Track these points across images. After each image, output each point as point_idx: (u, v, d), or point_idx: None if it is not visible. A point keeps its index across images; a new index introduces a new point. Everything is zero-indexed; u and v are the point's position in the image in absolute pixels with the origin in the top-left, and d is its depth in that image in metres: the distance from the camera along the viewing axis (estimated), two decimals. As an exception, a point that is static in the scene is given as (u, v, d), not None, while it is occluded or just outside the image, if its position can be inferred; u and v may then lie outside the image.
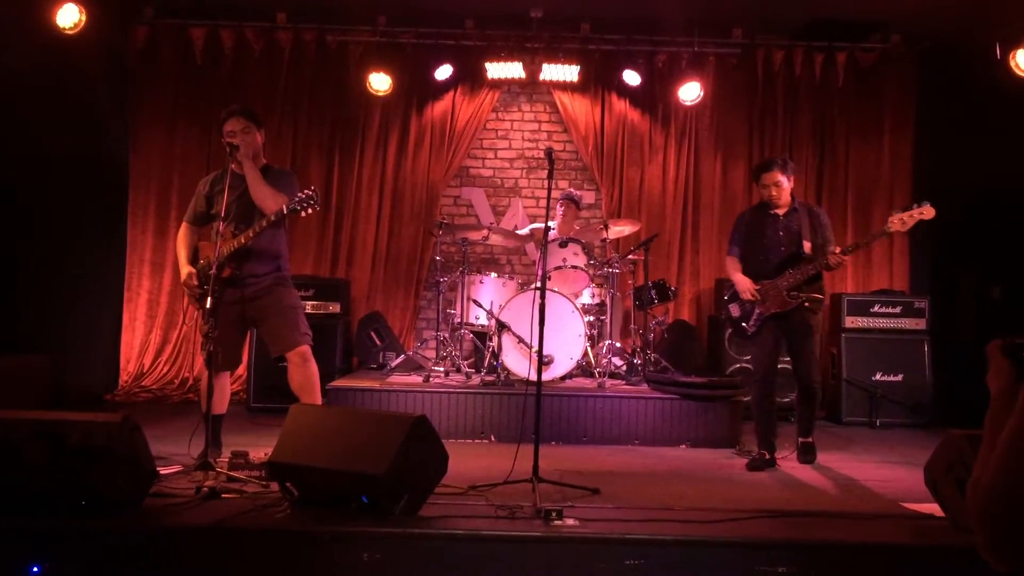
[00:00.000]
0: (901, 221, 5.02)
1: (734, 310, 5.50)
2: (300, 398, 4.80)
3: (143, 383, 7.97)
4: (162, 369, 8.08)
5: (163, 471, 4.23)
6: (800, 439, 5.43)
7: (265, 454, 4.26)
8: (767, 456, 5.26)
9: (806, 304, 5.19)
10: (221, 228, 4.74)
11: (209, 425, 4.50)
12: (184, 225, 5.10)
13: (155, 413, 6.75)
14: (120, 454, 3.54)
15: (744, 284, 5.37)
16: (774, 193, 5.34)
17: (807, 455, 5.38)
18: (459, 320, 7.00)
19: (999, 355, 1.85)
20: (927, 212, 5.02)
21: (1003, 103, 7.16)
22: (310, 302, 7.48)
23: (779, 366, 5.58)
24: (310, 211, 4.71)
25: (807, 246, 5.23)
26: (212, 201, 4.99)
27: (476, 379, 6.57)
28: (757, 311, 5.32)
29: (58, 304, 7.81)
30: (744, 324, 5.41)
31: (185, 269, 4.94)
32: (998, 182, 7.41)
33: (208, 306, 4.41)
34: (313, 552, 3.42)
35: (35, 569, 3.27)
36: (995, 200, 7.51)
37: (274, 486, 3.95)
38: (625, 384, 6.67)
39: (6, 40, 7.06)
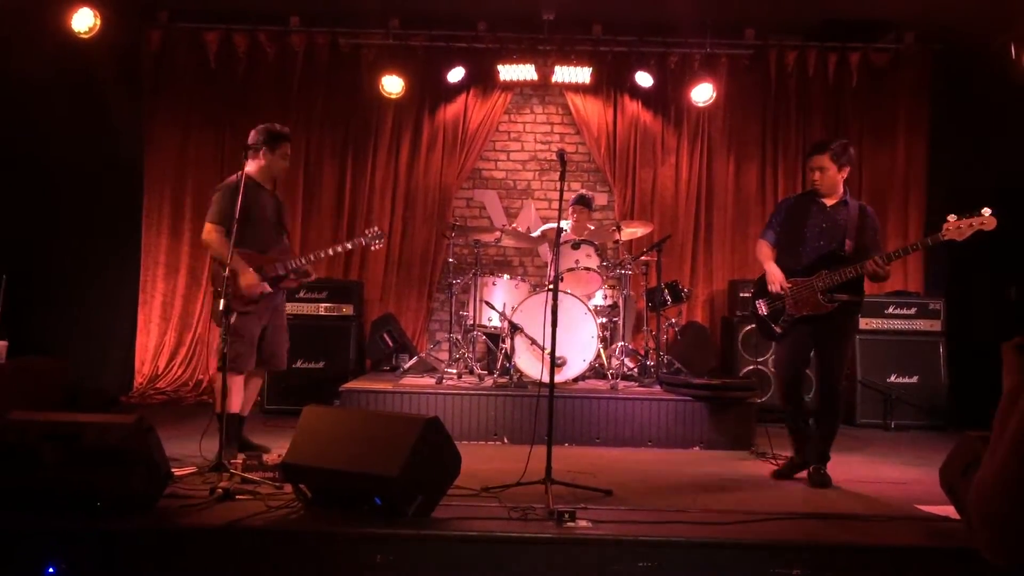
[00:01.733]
0: (958, 229, 4.42)
1: (762, 307, 5.01)
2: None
3: (157, 385, 8.01)
4: (176, 371, 8.11)
5: (177, 472, 4.26)
6: (813, 464, 4.86)
7: (279, 456, 4.27)
8: (795, 462, 4.99)
9: (849, 306, 4.77)
10: (266, 238, 5.15)
11: (223, 426, 4.52)
12: (223, 230, 4.98)
13: (169, 415, 6.78)
14: (135, 455, 3.56)
15: (776, 275, 4.88)
16: (816, 178, 4.88)
17: (818, 480, 4.79)
18: (472, 322, 7.01)
19: (1014, 354, 1.85)
20: (988, 223, 4.40)
21: (1018, 103, 7.11)
22: (323, 304, 7.51)
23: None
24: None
25: (849, 245, 4.76)
26: (250, 212, 5.00)
27: (489, 381, 6.57)
28: (788, 312, 4.87)
29: (73, 306, 7.87)
30: (773, 324, 4.96)
31: (255, 275, 5.05)
32: (1014, 182, 7.35)
33: (220, 308, 4.43)
34: (326, 553, 3.43)
35: (51, 569, 3.29)
36: (1011, 200, 7.44)
37: (288, 487, 3.97)
38: (638, 386, 6.66)
39: (22, 45, 7.12)
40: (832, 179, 4.87)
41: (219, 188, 5.19)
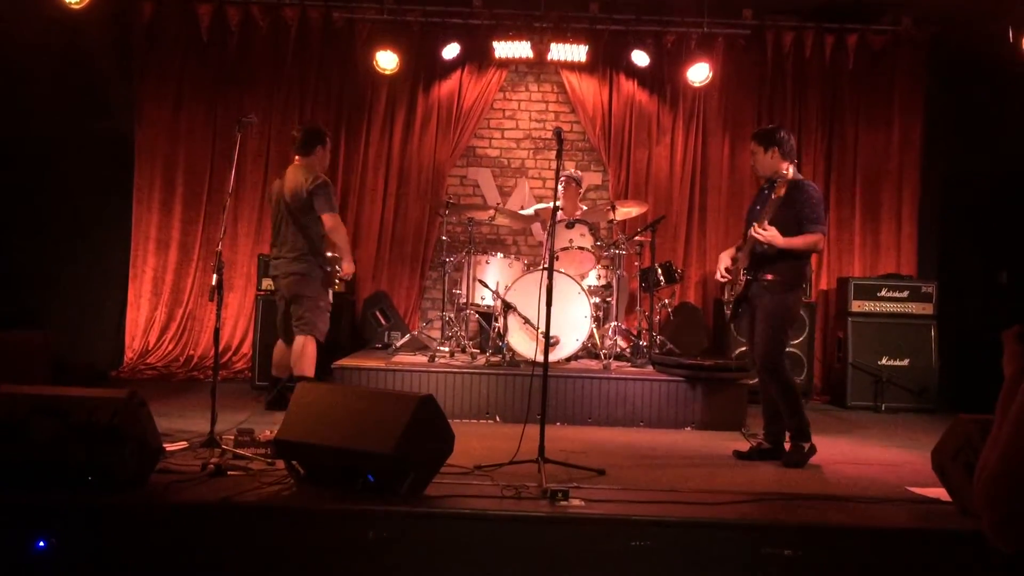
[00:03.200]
0: None
1: (725, 293, 5.26)
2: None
3: (148, 360, 7.97)
4: (167, 347, 8.07)
5: (169, 448, 4.24)
6: (791, 441, 4.95)
7: (271, 432, 4.26)
8: (764, 446, 5.05)
9: (764, 282, 4.88)
10: None
11: (214, 400, 4.51)
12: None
13: (160, 390, 6.75)
14: (126, 430, 3.53)
15: (719, 263, 5.21)
16: (751, 162, 5.22)
17: (788, 459, 4.86)
18: (465, 300, 6.99)
19: (1014, 342, 1.84)
20: None
21: (1014, 87, 7.10)
22: (315, 281, 7.47)
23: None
24: None
25: (764, 223, 4.83)
26: None
27: (481, 359, 6.57)
28: (730, 294, 5.11)
29: (63, 281, 7.82)
30: (727, 309, 5.23)
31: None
32: (1007, 167, 7.36)
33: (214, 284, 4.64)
34: (319, 530, 3.42)
35: (41, 544, 3.28)
36: (1004, 185, 7.47)
37: (280, 464, 3.95)
38: (630, 366, 6.67)
39: (13, 15, 7.03)
40: (762, 162, 5.05)
41: (324, 183, 5.76)
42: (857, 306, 7.61)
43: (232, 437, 4.47)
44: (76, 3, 7.14)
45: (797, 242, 4.82)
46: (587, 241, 6.72)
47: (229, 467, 3.97)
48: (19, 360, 6.55)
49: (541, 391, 4.42)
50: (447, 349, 6.85)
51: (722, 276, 5.14)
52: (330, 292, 5.92)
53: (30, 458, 3.50)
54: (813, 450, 4.92)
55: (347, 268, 5.97)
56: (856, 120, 8.46)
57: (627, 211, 7.37)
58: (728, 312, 5.21)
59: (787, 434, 4.99)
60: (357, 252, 8.27)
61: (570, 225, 6.73)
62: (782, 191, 4.84)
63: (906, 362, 7.50)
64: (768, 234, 4.77)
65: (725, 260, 5.16)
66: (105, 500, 3.43)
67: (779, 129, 5.09)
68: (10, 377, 4.44)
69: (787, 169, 4.98)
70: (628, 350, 6.98)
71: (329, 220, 5.77)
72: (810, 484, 4.38)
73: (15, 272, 7.13)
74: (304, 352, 5.76)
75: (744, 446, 5.19)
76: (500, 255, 7.10)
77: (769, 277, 4.88)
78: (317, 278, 5.80)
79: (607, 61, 8.45)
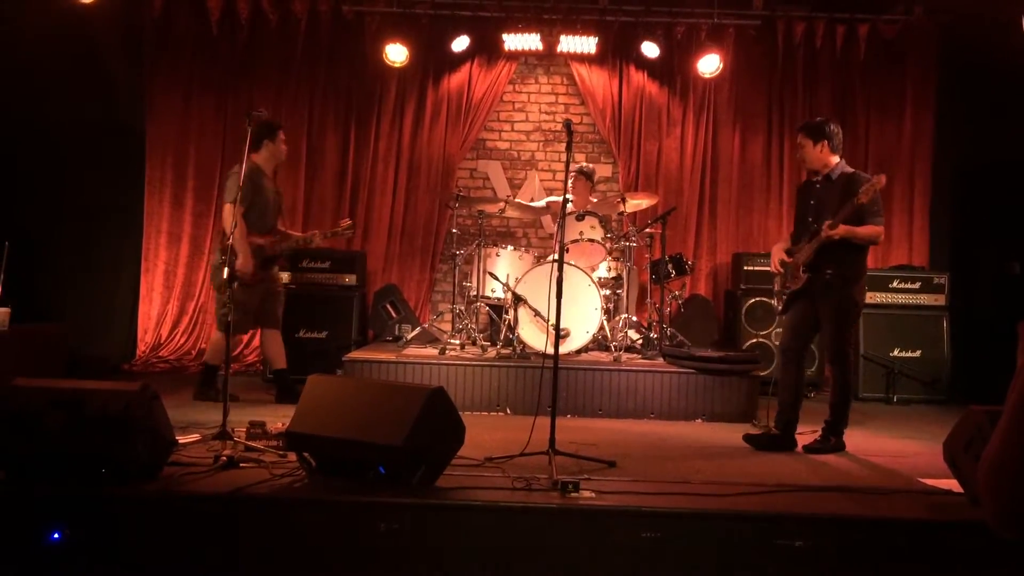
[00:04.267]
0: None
1: (776, 284, 5.31)
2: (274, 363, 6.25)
3: (160, 353, 8.01)
4: (179, 340, 8.11)
5: (181, 440, 4.26)
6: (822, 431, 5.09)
7: (283, 424, 4.28)
8: (773, 432, 5.11)
9: (827, 277, 4.89)
10: (269, 221, 6.03)
11: (226, 391, 4.53)
12: (238, 211, 5.36)
13: (173, 383, 6.78)
14: (139, 423, 3.56)
15: (773, 256, 5.26)
16: (798, 156, 5.25)
17: (811, 445, 5.01)
18: (475, 293, 6.99)
19: None
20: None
21: (1026, 78, 7.05)
22: (326, 274, 7.50)
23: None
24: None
25: (827, 218, 4.87)
26: (256, 197, 5.89)
27: (492, 352, 6.57)
28: (784, 287, 5.17)
29: (76, 274, 7.85)
30: (777, 302, 5.34)
31: (251, 260, 5.85)
32: (1019, 158, 7.31)
33: (226, 276, 4.74)
34: (330, 522, 3.44)
35: (55, 535, 3.30)
36: (1016, 176, 7.41)
37: (292, 456, 3.97)
38: (641, 358, 6.66)
39: (24, 9, 7.05)
40: (811, 155, 5.08)
41: (233, 172, 5.69)
42: (869, 297, 7.54)
43: (244, 429, 4.49)
44: (87, -2, 7.17)
45: (861, 232, 4.87)
46: (597, 233, 6.70)
47: (241, 459, 3.99)
48: (36, 353, 6.60)
49: (552, 383, 4.42)
50: (458, 342, 6.86)
51: (776, 269, 5.20)
52: (235, 286, 5.35)
53: (44, 450, 3.53)
54: (840, 447, 5.02)
55: (240, 264, 5.65)
56: (867, 111, 8.41)
57: (637, 203, 7.35)
58: (779, 304, 5.29)
59: (798, 426, 5.11)
60: (368, 244, 8.31)
61: (580, 217, 6.71)
62: (840, 186, 4.89)
63: (918, 353, 7.47)
64: (840, 231, 4.81)
65: (779, 253, 5.21)
66: (118, 492, 3.46)
67: (828, 122, 5.11)
68: (27, 370, 4.47)
69: (835, 163, 5.02)
70: (638, 342, 6.96)
71: (224, 208, 5.80)
72: (822, 475, 4.38)
73: (28, 265, 7.16)
74: (212, 342, 6.22)
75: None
76: (510, 247, 7.10)
77: (832, 272, 4.90)
78: (222, 271, 5.64)
79: (617, 53, 8.42)
